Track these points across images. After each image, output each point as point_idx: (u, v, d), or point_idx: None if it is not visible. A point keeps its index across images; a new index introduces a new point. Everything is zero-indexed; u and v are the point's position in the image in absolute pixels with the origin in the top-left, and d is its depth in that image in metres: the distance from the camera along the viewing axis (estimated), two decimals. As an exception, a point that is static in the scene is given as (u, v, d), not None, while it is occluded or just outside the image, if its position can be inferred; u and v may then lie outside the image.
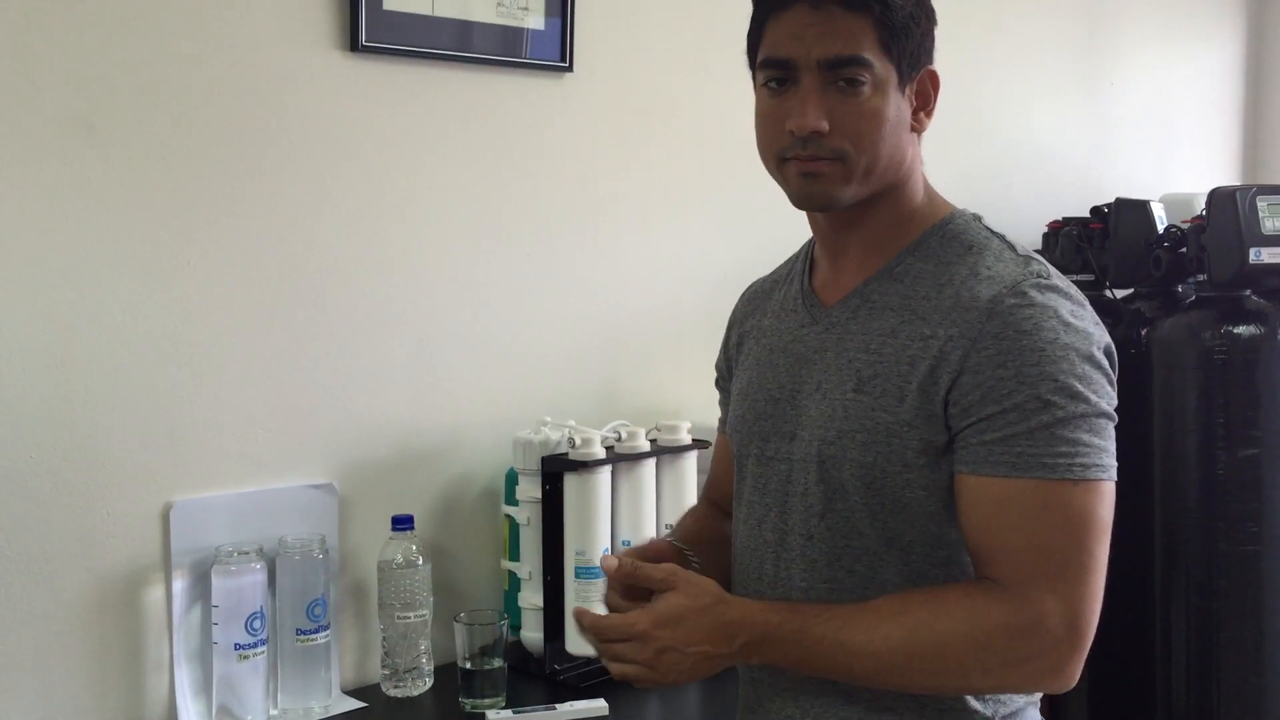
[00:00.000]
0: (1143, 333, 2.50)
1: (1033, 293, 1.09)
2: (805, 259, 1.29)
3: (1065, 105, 2.96)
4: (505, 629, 1.74)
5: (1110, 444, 1.09)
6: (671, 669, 1.10)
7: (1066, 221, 2.68)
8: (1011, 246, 1.16)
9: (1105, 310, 2.57)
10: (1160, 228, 2.56)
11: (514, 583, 1.91)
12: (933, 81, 1.18)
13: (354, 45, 1.75)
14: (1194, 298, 2.48)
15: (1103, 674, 2.57)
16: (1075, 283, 2.84)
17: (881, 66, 1.12)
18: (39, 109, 1.52)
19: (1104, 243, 2.60)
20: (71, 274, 1.55)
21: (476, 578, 1.94)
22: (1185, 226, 2.49)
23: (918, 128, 1.18)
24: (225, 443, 1.69)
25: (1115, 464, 1.09)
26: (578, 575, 1.82)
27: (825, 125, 1.11)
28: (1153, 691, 2.49)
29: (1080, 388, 1.06)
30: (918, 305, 1.14)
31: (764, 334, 1.29)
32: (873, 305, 1.17)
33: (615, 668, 1.13)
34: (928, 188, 1.21)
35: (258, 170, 1.70)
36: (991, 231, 1.19)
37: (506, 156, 1.96)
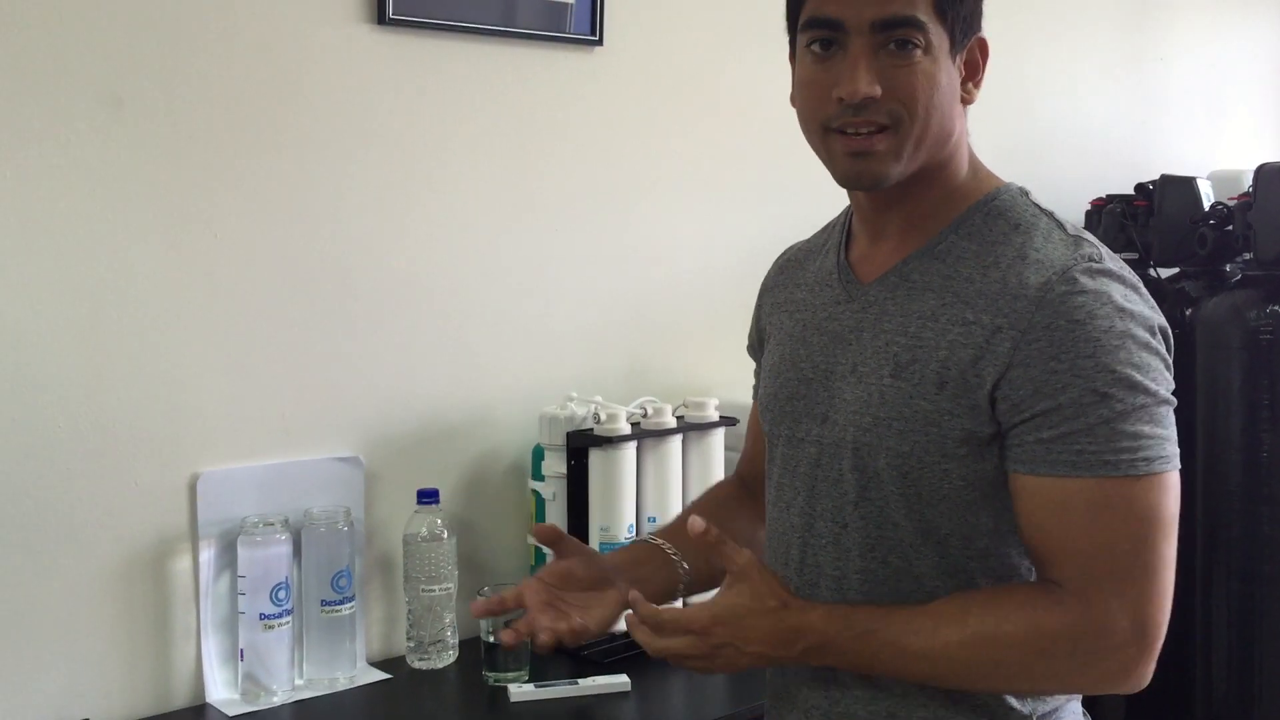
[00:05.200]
0: (1187, 312, 2.44)
1: (1084, 278, 1.03)
2: (843, 229, 1.22)
3: (1112, 80, 2.90)
4: (529, 603, 1.74)
5: (1171, 431, 1.04)
6: (728, 663, 1.08)
7: (1110, 199, 2.63)
8: (1061, 225, 1.10)
9: (1149, 289, 2.51)
10: (1206, 205, 2.50)
11: (539, 558, 1.91)
12: (982, 50, 1.12)
13: (381, 18, 1.75)
14: (1240, 277, 2.42)
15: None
16: (1118, 262, 2.73)
17: (935, 30, 1.06)
18: (68, 83, 1.53)
19: (1149, 220, 2.55)
20: (99, 247, 1.57)
21: (502, 552, 1.94)
22: (1232, 204, 2.43)
23: (966, 99, 1.12)
24: (252, 415, 1.70)
25: (1177, 451, 1.04)
26: (602, 551, 1.82)
27: (878, 91, 1.05)
28: (1193, 678, 2.44)
29: (1139, 377, 1.01)
30: (960, 287, 1.08)
31: (797, 308, 1.24)
32: (912, 285, 1.11)
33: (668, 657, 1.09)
34: (974, 161, 1.15)
35: (284, 144, 1.70)
36: (1040, 208, 1.12)
37: (535, 131, 1.95)
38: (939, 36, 1.07)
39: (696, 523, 1.10)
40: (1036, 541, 1.05)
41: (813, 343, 1.18)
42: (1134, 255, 2.53)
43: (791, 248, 1.34)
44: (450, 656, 1.78)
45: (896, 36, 1.05)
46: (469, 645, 1.79)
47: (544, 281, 1.98)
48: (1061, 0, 2.75)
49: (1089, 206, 2.67)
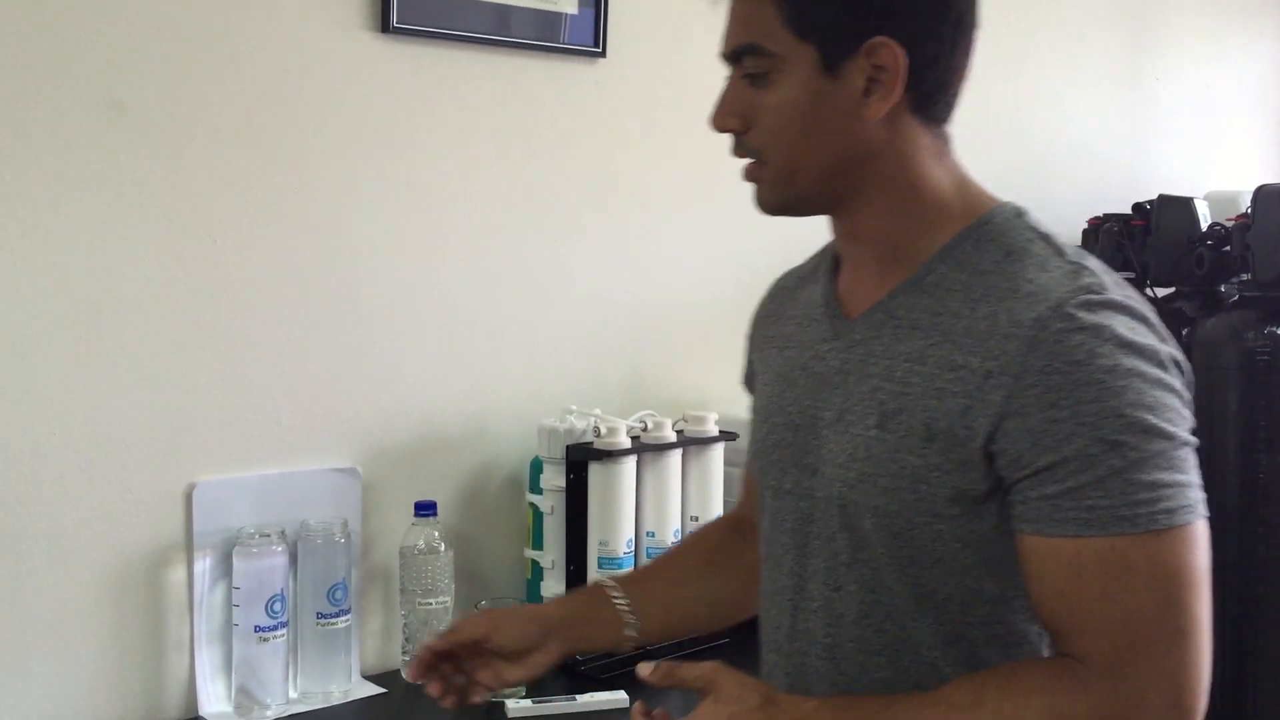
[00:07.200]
0: (1184, 333, 2.44)
1: (1081, 313, 0.92)
2: (833, 254, 1.14)
3: (1108, 99, 2.91)
4: (526, 618, 1.73)
5: (1194, 475, 0.93)
6: None
7: (1107, 218, 2.63)
8: (1059, 250, 0.99)
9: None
10: (1204, 225, 2.50)
11: (537, 572, 1.89)
12: (891, 57, 0.97)
13: (385, 26, 1.74)
14: (1237, 297, 2.43)
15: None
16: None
17: (791, 51, 0.98)
18: (68, 87, 1.52)
19: (1145, 240, 2.55)
20: (97, 253, 1.55)
21: (499, 566, 1.92)
22: (1229, 224, 2.44)
23: (870, 114, 0.99)
24: (249, 424, 1.68)
25: (1203, 496, 0.93)
26: (600, 565, 1.81)
27: (734, 123, 1.03)
28: (1186, 698, 2.44)
29: (1152, 419, 0.90)
30: (948, 325, 0.98)
31: (786, 343, 1.15)
32: (899, 322, 1.02)
33: None
34: (960, 180, 1.04)
35: (285, 152, 1.69)
36: (1036, 231, 1.01)
37: (536, 142, 1.94)
38: (799, 55, 0.98)
39: (644, 670, 1.00)
40: (1051, 610, 0.95)
41: (800, 385, 1.09)
42: (1131, 274, 2.54)
43: (784, 275, 1.26)
44: (446, 671, 1.76)
45: (745, 68, 1.02)
46: (465, 660, 1.77)
47: (544, 293, 1.97)
48: (1057, 21, 2.76)
49: (1086, 225, 2.68)
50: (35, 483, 1.52)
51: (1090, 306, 0.93)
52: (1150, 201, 2.58)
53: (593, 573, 1.80)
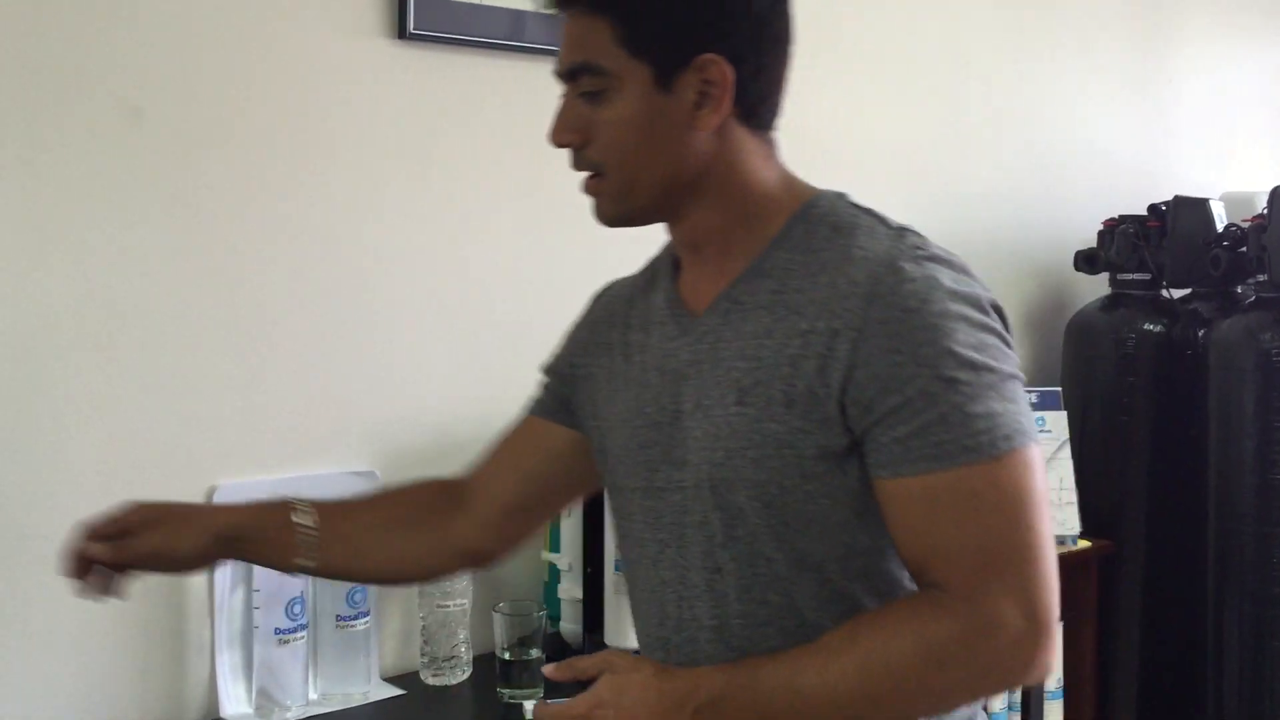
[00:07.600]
0: (1200, 334, 2.44)
1: (910, 266, 1.01)
2: (670, 262, 1.18)
3: (1122, 100, 2.91)
4: (544, 620, 1.74)
5: (1023, 405, 1.01)
6: None
7: (1123, 219, 2.63)
8: (883, 220, 1.08)
9: (1161, 310, 2.53)
10: (1220, 226, 2.50)
11: (554, 574, 1.90)
12: (718, 71, 1.04)
13: (401, 33, 1.75)
14: (1253, 298, 2.43)
15: (1154, 681, 2.52)
16: (1131, 282, 2.72)
17: (627, 68, 1.04)
18: (87, 93, 1.53)
19: (1161, 241, 2.55)
20: (116, 258, 1.57)
21: (516, 568, 1.93)
22: (1245, 225, 2.44)
23: (702, 127, 1.05)
24: (268, 428, 1.70)
25: (1034, 425, 1.02)
26: (617, 568, 1.81)
27: (571, 139, 1.08)
28: (1204, 700, 2.44)
29: (980, 357, 0.99)
30: (791, 299, 1.05)
31: (631, 350, 1.18)
32: (744, 306, 1.07)
33: None
34: (784, 175, 1.12)
35: (302, 157, 1.70)
36: (859, 208, 1.10)
37: (551, 146, 1.94)
38: (633, 73, 1.04)
39: (548, 669, 1.07)
40: (909, 546, 1.02)
41: (654, 385, 1.13)
42: (1146, 275, 2.54)
43: (613, 284, 1.30)
44: (464, 673, 1.77)
45: (581, 87, 1.07)
46: (483, 661, 1.78)
47: (559, 296, 1.96)
48: (1070, 22, 2.75)
49: (1101, 227, 2.67)
50: (56, 486, 1.54)
51: (918, 260, 1.02)
52: (1166, 203, 2.58)
53: (609, 576, 1.81)
